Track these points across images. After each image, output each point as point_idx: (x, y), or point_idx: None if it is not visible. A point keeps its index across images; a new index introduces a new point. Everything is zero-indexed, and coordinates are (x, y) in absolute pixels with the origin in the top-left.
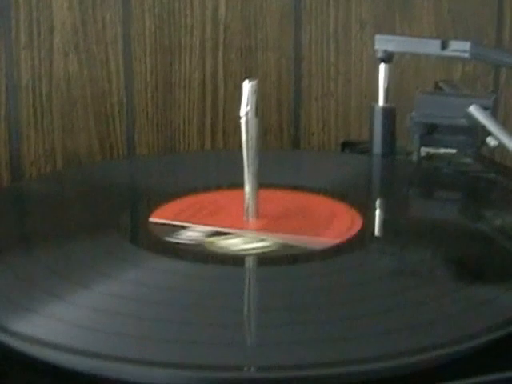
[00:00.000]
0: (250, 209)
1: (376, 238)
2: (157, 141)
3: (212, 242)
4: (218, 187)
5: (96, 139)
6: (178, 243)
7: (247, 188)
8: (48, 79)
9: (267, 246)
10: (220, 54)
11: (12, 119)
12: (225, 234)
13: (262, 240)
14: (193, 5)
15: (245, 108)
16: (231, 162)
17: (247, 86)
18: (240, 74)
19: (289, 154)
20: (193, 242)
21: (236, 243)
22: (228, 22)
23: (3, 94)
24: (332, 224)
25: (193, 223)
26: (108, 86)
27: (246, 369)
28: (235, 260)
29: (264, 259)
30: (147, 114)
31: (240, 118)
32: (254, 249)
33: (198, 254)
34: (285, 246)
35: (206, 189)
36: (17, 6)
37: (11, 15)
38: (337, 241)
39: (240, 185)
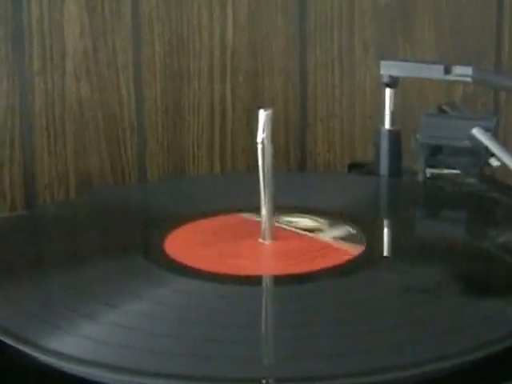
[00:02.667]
0: (266, 231)
1: (384, 256)
2: (167, 163)
3: None
4: (237, 210)
5: (108, 162)
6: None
7: (263, 211)
8: (61, 103)
9: None
10: (228, 78)
11: (26, 143)
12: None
13: None
14: (201, 31)
15: (261, 135)
16: (246, 184)
17: (263, 115)
18: (247, 97)
19: (298, 176)
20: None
21: None
22: (235, 46)
23: (17, 118)
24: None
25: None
26: (119, 110)
27: (264, 381)
28: (250, 280)
29: (277, 279)
30: (157, 137)
31: (257, 144)
32: None
33: (216, 275)
34: None
35: (222, 212)
36: (30, 33)
37: (25, 41)
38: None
39: (254, 208)
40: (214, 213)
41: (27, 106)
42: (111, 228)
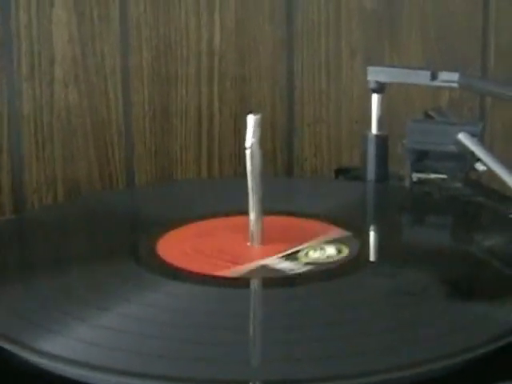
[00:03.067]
0: (254, 235)
1: (371, 261)
2: (155, 168)
3: None
4: (225, 214)
5: (96, 167)
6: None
7: (252, 215)
8: (49, 109)
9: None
10: (215, 83)
11: (14, 149)
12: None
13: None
14: (188, 36)
15: (250, 140)
16: (236, 188)
17: (252, 119)
18: (235, 102)
19: (286, 181)
20: None
21: None
22: (223, 52)
23: (5, 124)
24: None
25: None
26: (107, 115)
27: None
28: (239, 283)
29: (265, 281)
30: (145, 142)
31: (245, 148)
32: None
33: (205, 277)
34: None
35: (210, 216)
36: (18, 39)
37: (13, 47)
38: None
39: (243, 211)
40: (204, 216)
41: (15, 112)
42: (102, 232)
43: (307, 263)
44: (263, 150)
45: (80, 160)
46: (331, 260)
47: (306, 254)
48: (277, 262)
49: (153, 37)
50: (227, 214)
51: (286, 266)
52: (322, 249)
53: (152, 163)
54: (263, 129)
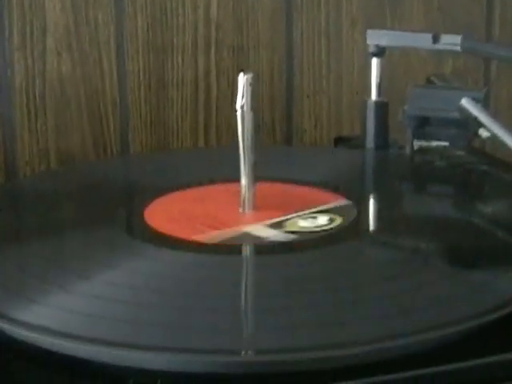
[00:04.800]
0: (246, 201)
1: (370, 228)
2: (150, 139)
3: None
4: (211, 181)
5: (90, 138)
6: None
7: (243, 180)
8: (41, 79)
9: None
10: (212, 52)
11: (6, 120)
12: None
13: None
14: (185, 4)
15: (240, 101)
16: (228, 157)
17: (242, 79)
18: (232, 72)
19: (284, 149)
20: None
21: None
22: (220, 20)
23: None
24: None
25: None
26: (101, 85)
27: (244, 353)
28: (229, 249)
29: (257, 248)
30: (140, 112)
31: (236, 110)
32: None
33: (195, 244)
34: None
35: (199, 183)
36: (10, 7)
37: (4, 16)
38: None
39: (234, 179)
40: (192, 184)
41: (7, 82)
42: (89, 200)
43: (292, 232)
44: (261, 122)
45: (73, 131)
46: (319, 229)
47: (295, 222)
48: (260, 229)
49: (148, 4)
50: (224, 181)
51: (269, 233)
52: (313, 218)
53: (148, 134)
54: (261, 100)
